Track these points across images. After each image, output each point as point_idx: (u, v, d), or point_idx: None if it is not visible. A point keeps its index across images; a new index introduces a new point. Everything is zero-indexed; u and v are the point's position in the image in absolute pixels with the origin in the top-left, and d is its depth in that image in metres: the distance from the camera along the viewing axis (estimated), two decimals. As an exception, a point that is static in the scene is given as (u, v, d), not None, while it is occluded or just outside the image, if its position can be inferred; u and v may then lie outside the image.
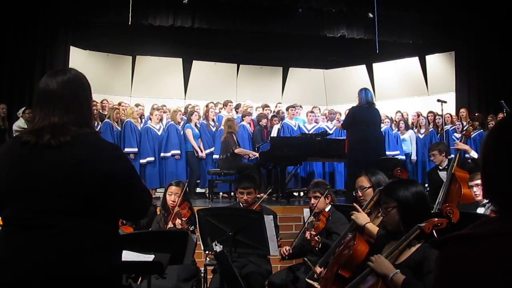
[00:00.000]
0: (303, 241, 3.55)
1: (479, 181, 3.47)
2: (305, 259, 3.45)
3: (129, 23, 8.35)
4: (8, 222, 1.57)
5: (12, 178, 1.55)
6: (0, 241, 1.57)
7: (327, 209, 3.57)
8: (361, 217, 2.78)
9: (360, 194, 3.11)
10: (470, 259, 0.85)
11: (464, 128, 5.70)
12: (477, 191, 3.62)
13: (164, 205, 3.90)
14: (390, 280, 2.00)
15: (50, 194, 1.52)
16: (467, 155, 5.51)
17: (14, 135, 6.86)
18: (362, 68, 11.34)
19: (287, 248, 3.64)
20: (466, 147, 4.97)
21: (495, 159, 0.91)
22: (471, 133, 4.76)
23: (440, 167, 5.31)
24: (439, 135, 8.12)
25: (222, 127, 7.47)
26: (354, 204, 2.91)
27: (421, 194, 2.21)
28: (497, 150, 0.91)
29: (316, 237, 3.29)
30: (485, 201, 3.50)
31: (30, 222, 1.51)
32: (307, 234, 3.37)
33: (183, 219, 3.68)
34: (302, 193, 8.08)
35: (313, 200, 3.66)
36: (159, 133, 7.53)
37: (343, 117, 8.36)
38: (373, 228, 2.70)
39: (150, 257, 2.41)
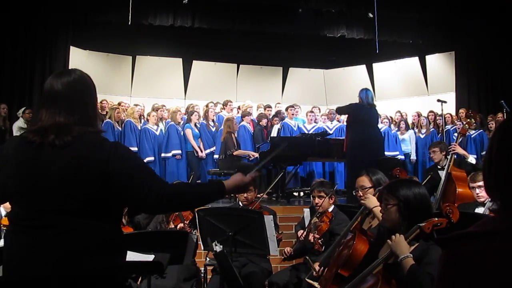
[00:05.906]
0: (305, 242, 3.55)
1: (481, 183, 3.49)
2: (307, 258, 3.44)
3: (129, 23, 8.33)
4: (14, 222, 1.59)
5: (18, 178, 1.56)
6: (6, 240, 1.59)
7: (330, 209, 3.56)
8: (371, 201, 2.81)
9: (361, 194, 3.11)
10: (475, 256, 0.86)
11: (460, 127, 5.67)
12: (480, 192, 3.63)
13: None
14: (400, 260, 2.02)
15: (53, 194, 1.53)
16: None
17: (15, 134, 6.86)
18: (362, 68, 11.33)
19: (288, 249, 3.64)
20: (464, 152, 4.94)
21: (498, 158, 0.93)
22: (467, 131, 4.71)
23: (439, 166, 5.32)
24: (439, 135, 8.11)
25: (222, 127, 7.46)
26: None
27: (424, 196, 2.22)
28: (500, 149, 0.93)
29: (319, 241, 3.28)
30: (487, 201, 3.51)
31: (35, 222, 1.53)
32: (311, 237, 3.36)
33: (185, 222, 3.68)
34: (302, 193, 8.08)
35: (317, 200, 3.62)
36: (157, 133, 7.52)
37: (343, 117, 8.34)
38: (379, 213, 2.70)
39: (150, 257, 2.41)
